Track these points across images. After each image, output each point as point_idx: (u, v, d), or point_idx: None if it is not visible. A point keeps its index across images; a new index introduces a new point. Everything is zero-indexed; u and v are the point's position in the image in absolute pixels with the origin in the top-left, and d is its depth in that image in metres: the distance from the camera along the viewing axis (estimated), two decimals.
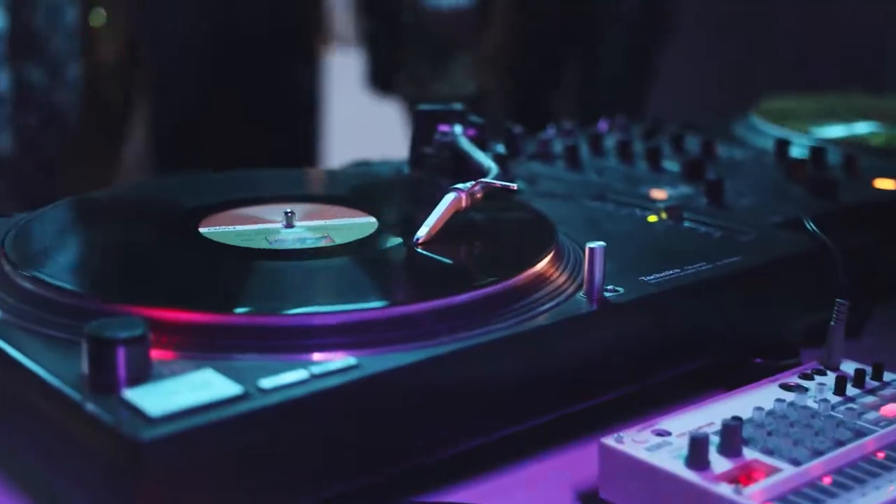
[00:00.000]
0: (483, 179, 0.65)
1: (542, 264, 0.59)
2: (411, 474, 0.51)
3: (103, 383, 0.45)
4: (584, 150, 0.95)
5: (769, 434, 0.52)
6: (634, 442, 0.51)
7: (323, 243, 0.62)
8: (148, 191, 0.75)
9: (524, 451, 0.56)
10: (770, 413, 0.54)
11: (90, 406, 0.44)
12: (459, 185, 0.65)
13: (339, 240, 0.63)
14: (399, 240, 0.63)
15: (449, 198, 0.64)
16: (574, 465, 0.56)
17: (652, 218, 0.74)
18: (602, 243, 0.57)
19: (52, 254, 0.61)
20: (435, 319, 0.52)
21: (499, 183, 0.65)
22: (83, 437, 0.45)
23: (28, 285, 0.54)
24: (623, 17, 2.24)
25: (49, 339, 0.51)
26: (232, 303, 0.52)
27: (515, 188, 0.65)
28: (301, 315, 0.51)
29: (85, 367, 0.46)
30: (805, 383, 0.59)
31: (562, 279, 0.60)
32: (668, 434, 0.52)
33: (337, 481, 0.48)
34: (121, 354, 0.45)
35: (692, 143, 1.00)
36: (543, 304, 0.57)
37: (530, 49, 2.32)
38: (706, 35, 2.29)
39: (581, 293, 0.58)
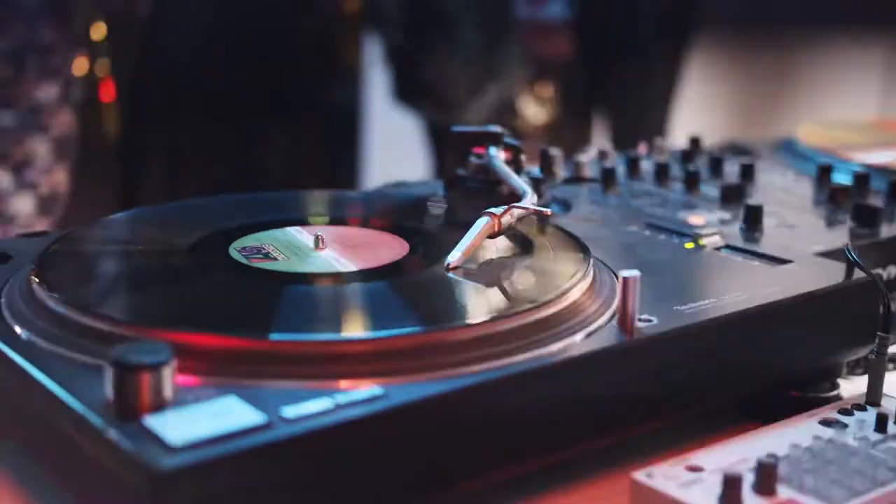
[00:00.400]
0: (517, 204, 0.64)
1: (574, 292, 0.58)
2: None
3: (126, 409, 0.45)
4: (622, 173, 0.94)
5: (806, 472, 0.50)
6: (666, 478, 0.50)
7: (352, 267, 0.61)
8: (180, 212, 0.75)
9: (552, 484, 0.55)
10: (808, 450, 0.53)
11: (111, 432, 0.43)
12: (492, 210, 0.64)
13: (369, 263, 0.62)
14: (430, 264, 0.62)
15: (481, 222, 0.63)
16: (604, 499, 0.54)
17: (688, 245, 0.73)
18: (636, 272, 0.56)
19: (80, 275, 0.60)
20: (464, 348, 0.51)
21: (533, 207, 0.64)
22: (105, 463, 0.44)
23: (56, 307, 0.54)
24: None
25: (76, 364, 0.50)
26: (257, 328, 0.51)
27: (549, 213, 0.64)
28: (327, 342, 0.50)
29: (109, 392, 0.46)
30: (844, 419, 0.57)
31: (594, 307, 0.58)
32: (701, 470, 0.51)
33: None
34: (144, 380, 0.45)
35: (732, 167, 0.98)
36: (575, 332, 0.55)
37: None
38: (746, 57, 2.27)
39: (614, 322, 0.57)
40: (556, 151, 0.92)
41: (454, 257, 0.61)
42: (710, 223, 0.79)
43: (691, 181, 0.90)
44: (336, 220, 0.71)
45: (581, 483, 0.55)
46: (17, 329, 0.54)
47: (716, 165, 0.98)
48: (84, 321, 0.52)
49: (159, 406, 0.45)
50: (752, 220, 0.79)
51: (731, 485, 0.48)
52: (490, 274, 0.61)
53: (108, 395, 0.46)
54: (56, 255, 0.61)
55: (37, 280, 0.57)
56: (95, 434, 0.44)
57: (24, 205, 1.74)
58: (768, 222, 0.80)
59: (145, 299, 0.58)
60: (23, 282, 0.59)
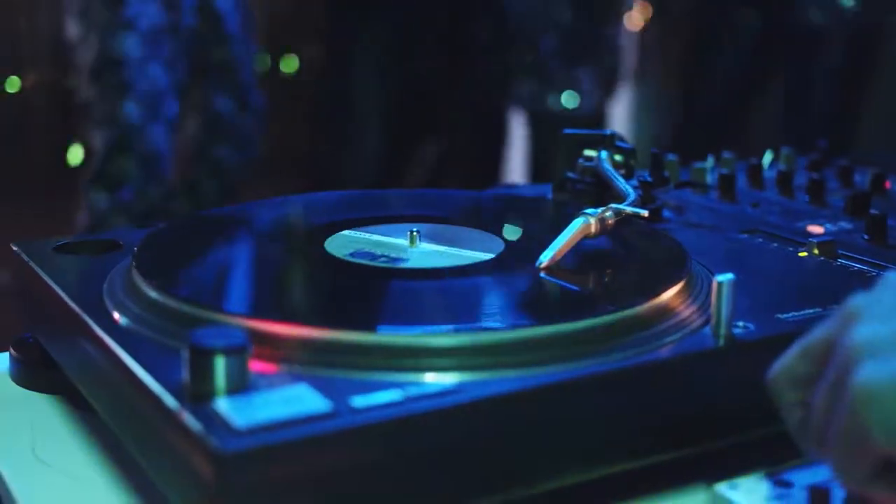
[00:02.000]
0: (614, 205, 0.63)
1: (668, 294, 0.56)
2: None
3: (201, 392, 0.45)
4: (742, 181, 0.91)
5: None
6: (750, 491, 0.48)
7: (443, 263, 0.61)
8: (281, 207, 0.76)
9: (634, 491, 0.53)
10: None
11: (183, 414, 0.44)
12: (589, 211, 0.63)
13: (463, 261, 0.61)
14: (522, 263, 0.61)
15: (577, 223, 0.62)
16: None
17: (802, 254, 0.70)
18: (731, 276, 0.53)
19: (173, 263, 0.62)
20: (544, 347, 0.50)
21: (629, 209, 0.62)
22: (177, 444, 0.45)
23: (146, 290, 0.56)
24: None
25: (163, 347, 0.51)
26: (336, 318, 0.51)
27: (646, 215, 0.62)
28: (406, 335, 0.50)
29: (186, 375, 0.46)
30: None
31: (689, 312, 0.56)
32: (791, 485, 0.48)
33: None
34: (219, 364, 0.45)
35: (864, 177, 0.93)
36: (666, 336, 0.54)
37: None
38: None
39: (708, 328, 0.55)
40: (672, 156, 0.90)
41: (545, 257, 0.60)
42: (829, 233, 0.76)
43: (815, 190, 0.87)
44: (438, 219, 0.70)
45: (664, 493, 0.53)
46: (111, 310, 0.56)
47: (846, 175, 0.93)
48: (170, 304, 0.53)
49: (233, 390, 0.46)
50: (876, 230, 0.75)
51: (818, 500, 0.45)
52: (581, 275, 0.60)
53: (185, 378, 0.46)
54: (154, 244, 0.63)
55: (134, 265, 0.59)
56: (169, 415, 0.45)
57: None
58: (895, 234, 0.75)
59: (231, 287, 0.59)
60: (123, 268, 0.61)
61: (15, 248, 0.67)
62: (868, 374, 0.41)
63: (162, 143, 1.98)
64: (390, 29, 2.33)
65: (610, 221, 0.63)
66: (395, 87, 2.36)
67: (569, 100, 2.49)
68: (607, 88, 2.59)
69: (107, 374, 0.53)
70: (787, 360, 0.47)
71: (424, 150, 2.41)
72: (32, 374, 0.66)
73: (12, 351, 0.68)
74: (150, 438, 0.49)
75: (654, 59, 2.65)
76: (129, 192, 1.93)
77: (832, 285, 0.63)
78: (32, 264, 0.64)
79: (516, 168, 2.62)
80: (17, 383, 0.67)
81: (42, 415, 0.63)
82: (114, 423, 0.54)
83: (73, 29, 1.97)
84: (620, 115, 2.72)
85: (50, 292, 0.61)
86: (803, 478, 0.49)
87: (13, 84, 2.56)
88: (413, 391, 0.46)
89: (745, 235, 0.75)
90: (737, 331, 0.54)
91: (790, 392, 0.47)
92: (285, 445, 0.42)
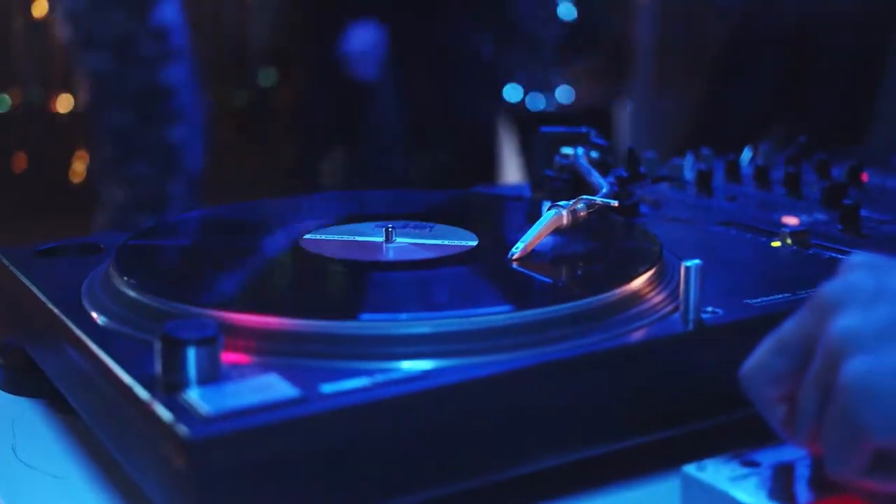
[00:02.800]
0: (585, 196, 0.64)
1: (637, 282, 0.57)
2: (478, 493, 0.50)
3: (173, 383, 0.46)
4: (720, 177, 0.92)
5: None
6: (718, 471, 0.48)
7: (417, 256, 0.62)
8: (258, 209, 0.77)
9: (604, 477, 0.54)
10: None
11: (153, 403, 0.45)
12: (561, 203, 0.63)
13: (434, 254, 0.62)
14: (495, 256, 0.62)
15: (549, 215, 0.63)
16: (659, 496, 0.53)
17: (776, 243, 0.71)
18: (698, 261, 0.54)
19: (150, 264, 0.63)
20: (513, 332, 0.51)
21: (599, 200, 0.63)
22: (152, 435, 0.46)
23: (125, 290, 0.56)
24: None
25: (139, 343, 0.52)
26: (306, 308, 0.52)
27: (616, 205, 0.63)
28: (378, 322, 0.51)
29: (158, 367, 0.47)
30: None
31: (660, 299, 0.57)
32: (758, 465, 0.49)
33: (394, 494, 0.47)
34: (190, 355, 0.46)
35: (840, 171, 0.94)
36: (636, 321, 0.54)
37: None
38: None
39: (677, 313, 0.55)
40: (650, 153, 0.91)
41: (517, 249, 0.60)
42: (804, 223, 0.77)
43: (792, 183, 0.87)
44: (413, 216, 0.71)
45: (637, 477, 0.54)
46: (90, 310, 0.56)
47: (824, 169, 0.94)
48: (145, 301, 0.54)
49: (204, 381, 0.46)
50: (849, 219, 0.75)
51: (782, 477, 0.46)
52: (554, 265, 0.61)
53: (157, 370, 0.47)
54: (133, 245, 0.64)
55: (112, 264, 0.59)
56: (142, 406, 0.46)
57: None
58: (871, 224, 0.76)
59: (204, 282, 0.60)
60: (102, 269, 0.61)
61: None
62: (857, 368, 0.41)
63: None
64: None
65: (582, 213, 0.64)
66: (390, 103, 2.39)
67: (563, 95, 2.52)
68: (606, 85, 2.62)
69: (85, 374, 0.54)
70: (762, 357, 0.47)
71: (425, 161, 2.43)
72: (15, 378, 0.67)
73: None
74: (126, 433, 0.49)
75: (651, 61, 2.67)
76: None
77: (803, 272, 0.64)
78: (13, 269, 0.65)
79: (513, 170, 2.63)
80: (0, 388, 0.68)
81: (24, 418, 0.63)
82: (93, 423, 0.55)
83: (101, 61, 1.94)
84: (616, 115, 2.73)
85: (30, 296, 0.61)
86: (770, 457, 0.49)
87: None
88: (382, 378, 0.47)
89: (720, 227, 0.75)
90: (706, 316, 0.55)
91: (768, 389, 0.46)
92: (254, 431, 0.43)
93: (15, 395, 0.67)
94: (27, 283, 0.62)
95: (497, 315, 0.51)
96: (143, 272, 0.59)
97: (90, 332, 0.54)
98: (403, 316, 0.51)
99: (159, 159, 1.97)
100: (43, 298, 0.59)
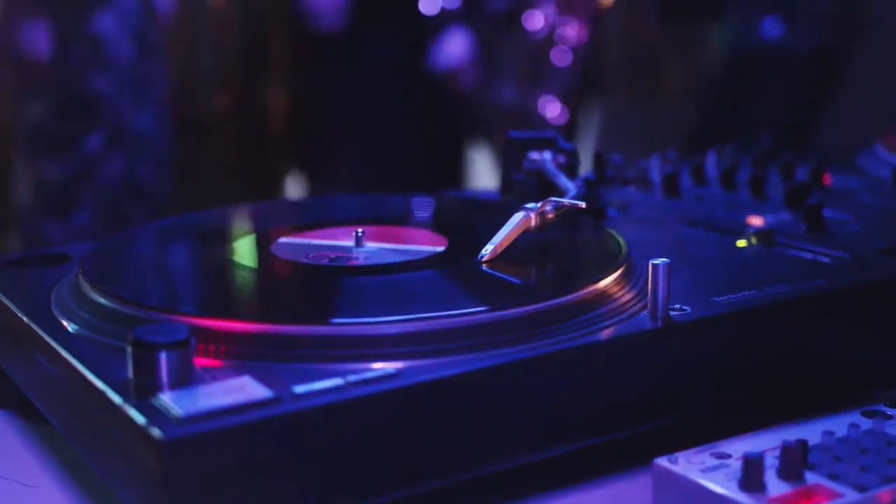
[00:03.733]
0: (552, 198, 0.64)
1: (605, 282, 0.57)
2: (453, 491, 0.50)
3: (146, 387, 0.46)
4: (686, 179, 0.93)
5: (836, 460, 0.49)
6: (689, 463, 0.49)
7: (387, 260, 0.62)
8: (224, 216, 0.77)
9: (578, 472, 0.54)
10: (842, 439, 0.51)
11: (126, 407, 0.45)
12: (529, 205, 0.64)
13: (403, 257, 0.63)
14: (463, 257, 0.62)
15: (517, 217, 0.63)
16: (630, 489, 0.53)
17: (741, 242, 0.72)
18: (666, 260, 0.55)
19: (119, 270, 0.63)
20: (483, 331, 0.51)
21: (567, 201, 0.64)
22: (125, 440, 0.46)
23: (94, 297, 0.56)
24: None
25: (110, 350, 0.52)
26: (278, 313, 0.52)
27: (583, 206, 0.64)
28: (349, 325, 0.51)
29: (130, 371, 0.47)
30: (890, 411, 0.55)
31: (628, 297, 0.58)
32: (728, 457, 0.50)
33: (369, 493, 0.47)
34: (162, 359, 0.46)
35: (803, 173, 0.96)
36: (604, 320, 0.55)
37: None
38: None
39: (646, 311, 0.56)
40: (617, 157, 0.92)
41: (487, 250, 0.61)
42: (769, 223, 0.78)
43: (757, 184, 0.88)
44: (381, 221, 0.71)
45: (609, 472, 0.55)
46: (59, 317, 0.56)
47: (788, 170, 0.95)
48: (115, 307, 0.54)
49: (178, 384, 0.46)
50: (813, 219, 0.76)
51: (751, 468, 0.46)
52: (523, 266, 0.61)
53: (129, 375, 0.47)
54: (101, 252, 0.64)
55: (80, 272, 0.59)
56: (115, 411, 0.46)
57: None
58: (834, 223, 0.77)
59: (173, 288, 0.60)
60: (71, 277, 0.61)
61: None
62: None
63: None
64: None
65: (550, 215, 0.64)
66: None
67: None
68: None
69: (56, 381, 0.54)
70: None
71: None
72: None
73: None
74: (99, 439, 0.49)
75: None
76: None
77: (768, 270, 0.65)
78: None
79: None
80: None
81: None
82: (65, 431, 0.55)
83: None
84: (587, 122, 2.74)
85: (1, 307, 0.61)
86: (740, 449, 0.50)
87: None
88: (354, 378, 0.47)
89: (687, 228, 0.76)
90: (674, 313, 0.56)
91: None
92: (228, 432, 0.43)
93: None
94: None
95: (467, 315, 0.51)
96: (112, 279, 0.59)
97: (60, 339, 0.54)
98: (372, 318, 0.51)
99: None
100: (12, 307, 0.59)
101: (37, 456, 0.59)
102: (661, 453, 0.51)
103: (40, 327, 0.55)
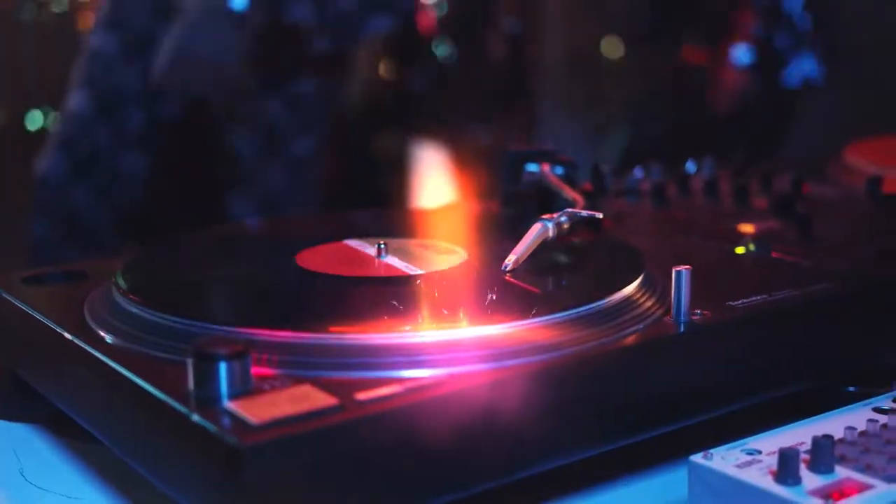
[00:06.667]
0: (568, 210, 0.67)
1: (628, 288, 0.60)
2: (500, 491, 0.52)
3: (207, 397, 0.48)
4: (671, 190, 0.96)
5: (862, 452, 0.51)
6: (723, 459, 0.52)
7: (412, 271, 0.64)
8: (250, 229, 0.78)
9: (613, 471, 0.57)
10: (863, 433, 0.54)
11: (195, 417, 0.46)
12: (545, 217, 0.66)
13: (429, 268, 0.65)
14: (487, 268, 0.64)
15: (536, 228, 0.66)
16: (662, 486, 0.56)
17: (740, 250, 0.75)
18: (688, 267, 0.58)
19: (160, 284, 0.64)
20: (523, 339, 0.53)
21: (584, 212, 0.67)
22: (190, 447, 0.47)
23: (139, 311, 0.57)
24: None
25: (155, 360, 0.53)
26: (329, 322, 0.54)
27: (601, 216, 0.67)
28: (395, 335, 0.53)
29: (191, 382, 0.48)
30: None
31: (648, 304, 0.60)
32: (759, 452, 0.52)
33: (430, 494, 0.49)
34: (223, 369, 0.48)
35: (781, 183, 0.99)
36: (630, 326, 0.57)
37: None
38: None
39: (668, 317, 0.59)
40: (606, 168, 0.95)
41: (510, 261, 0.63)
42: (761, 231, 0.81)
43: (741, 195, 0.92)
44: (400, 234, 0.73)
45: (641, 471, 0.57)
46: (102, 333, 0.57)
47: (766, 181, 0.99)
48: (166, 322, 0.55)
49: (238, 394, 0.48)
50: (804, 227, 0.80)
51: (788, 462, 0.49)
52: (545, 277, 0.64)
53: (190, 386, 0.48)
54: (135, 267, 0.65)
55: (123, 287, 0.60)
56: (179, 420, 0.47)
57: None
58: (819, 231, 0.81)
59: (224, 302, 0.61)
60: (105, 294, 0.62)
61: None
62: None
63: None
64: None
65: (565, 226, 0.67)
66: None
67: None
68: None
69: (103, 395, 0.55)
70: None
71: None
72: (8, 404, 0.67)
73: None
74: (156, 448, 0.50)
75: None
76: None
77: (772, 276, 0.68)
78: (6, 295, 0.65)
79: None
80: None
81: (24, 444, 0.64)
82: (111, 442, 0.56)
83: None
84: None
85: (30, 321, 0.62)
86: (768, 445, 0.53)
87: None
88: (409, 384, 0.49)
89: (683, 237, 0.79)
90: (695, 318, 0.59)
91: None
92: (300, 438, 0.44)
93: (7, 420, 0.67)
94: (26, 308, 0.63)
95: (511, 323, 0.54)
96: (157, 293, 0.60)
97: (109, 353, 0.55)
98: (417, 328, 0.53)
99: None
100: (49, 323, 0.60)
101: (74, 469, 0.60)
102: (687, 452, 0.54)
103: (84, 342, 0.56)
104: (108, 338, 0.57)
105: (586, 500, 0.55)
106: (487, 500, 0.52)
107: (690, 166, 1.05)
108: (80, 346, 0.56)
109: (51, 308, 0.62)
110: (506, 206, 0.86)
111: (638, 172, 1.00)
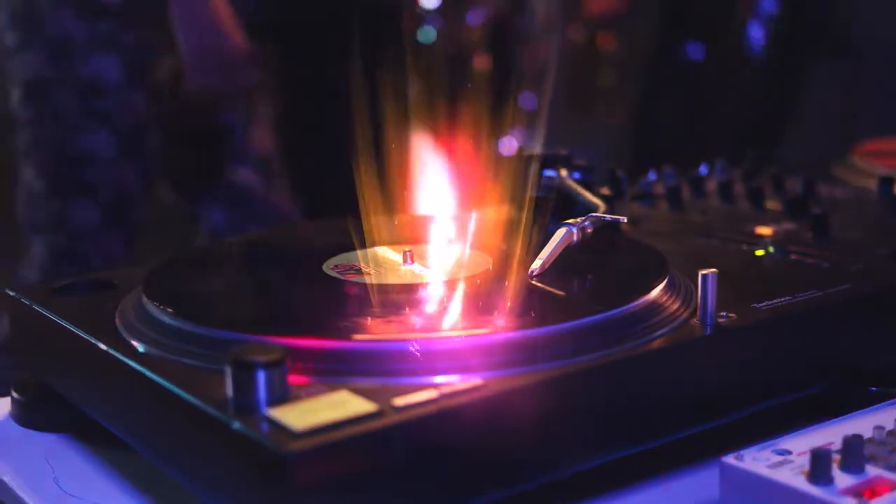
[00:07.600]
0: (593, 214, 0.67)
1: (655, 292, 0.61)
2: (534, 493, 0.53)
3: (246, 405, 0.48)
4: (685, 192, 0.97)
5: (892, 451, 0.52)
6: (755, 460, 0.52)
7: (438, 277, 0.65)
8: (278, 236, 0.79)
9: (644, 472, 0.57)
10: (892, 433, 0.54)
11: (236, 424, 0.47)
12: (570, 221, 0.67)
13: (455, 274, 0.65)
14: (514, 273, 0.65)
15: (561, 233, 0.66)
16: (693, 486, 0.57)
17: (759, 252, 0.75)
18: (714, 270, 0.58)
19: (191, 293, 0.64)
20: (556, 343, 0.54)
21: (608, 216, 0.67)
22: (230, 455, 0.48)
23: (173, 321, 0.58)
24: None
25: (190, 369, 0.54)
26: (362, 330, 0.55)
27: (625, 220, 0.67)
28: (428, 340, 0.53)
29: (229, 390, 0.49)
30: None
31: (675, 307, 0.61)
32: (789, 453, 0.53)
33: (466, 496, 0.50)
34: (261, 377, 0.48)
35: (792, 184, 1.00)
36: (659, 329, 0.58)
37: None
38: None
39: (695, 319, 0.59)
40: (622, 173, 0.96)
41: (536, 265, 0.64)
42: (777, 233, 0.82)
43: (756, 196, 0.93)
44: (422, 240, 0.74)
45: (672, 471, 0.58)
46: (135, 343, 0.58)
47: (777, 183, 1.00)
48: (201, 331, 0.56)
49: (276, 401, 0.48)
50: (820, 228, 0.81)
51: (820, 461, 0.50)
52: (571, 280, 0.64)
53: (228, 393, 0.49)
54: (163, 276, 0.66)
55: (155, 299, 0.61)
56: (222, 428, 0.47)
57: None
58: (833, 231, 0.82)
59: (252, 309, 0.62)
60: (135, 304, 0.63)
61: (12, 294, 0.69)
62: None
63: None
64: None
65: (589, 230, 0.67)
66: None
67: None
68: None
69: (139, 403, 0.55)
70: None
71: None
72: (38, 413, 0.68)
73: (14, 394, 0.69)
74: (196, 456, 0.51)
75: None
76: None
77: (793, 277, 0.69)
78: (38, 307, 0.65)
79: None
80: (22, 424, 0.68)
81: (56, 453, 0.64)
82: (146, 449, 0.56)
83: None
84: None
85: (61, 331, 0.62)
86: (798, 445, 0.53)
87: None
88: (445, 389, 0.50)
89: (702, 239, 0.80)
90: (722, 320, 0.59)
91: None
92: (342, 444, 0.45)
93: (38, 430, 0.67)
94: (57, 319, 0.63)
95: (545, 327, 0.54)
96: (190, 303, 0.61)
97: (145, 362, 0.55)
98: (451, 333, 0.54)
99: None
100: (82, 334, 0.60)
101: (106, 477, 0.61)
102: (716, 453, 0.55)
103: (119, 352, 0.57)
104: (141, 347, 0.57)
105: (619, 501, 0.56)
106: (521, 501, 0.52)
107: (703, 169, 1.06)
108: (115, 356, 0.57)
109: (82, 318, 0.62)
110: (525, 211, 0.86)
111: (651, 175, 1.00)
